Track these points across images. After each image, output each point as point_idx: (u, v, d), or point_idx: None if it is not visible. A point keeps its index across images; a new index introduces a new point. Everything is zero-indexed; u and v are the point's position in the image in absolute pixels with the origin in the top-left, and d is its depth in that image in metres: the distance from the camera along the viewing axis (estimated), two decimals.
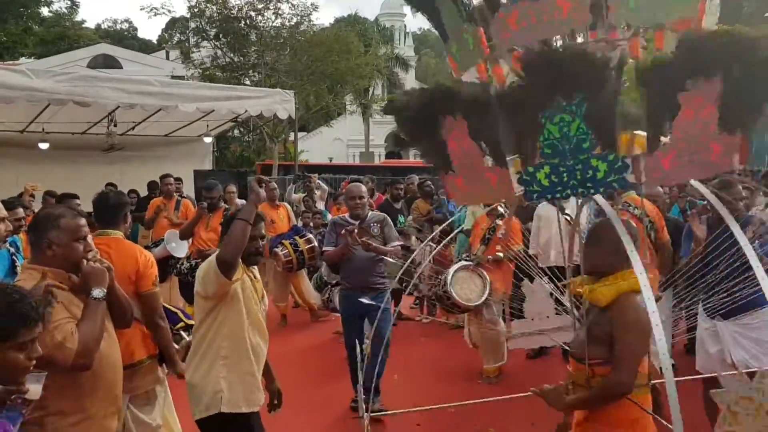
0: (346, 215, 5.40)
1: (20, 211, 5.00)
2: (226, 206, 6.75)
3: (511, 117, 2.23)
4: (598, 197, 2.41)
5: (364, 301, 4.76)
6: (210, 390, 3.10)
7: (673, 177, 2.33)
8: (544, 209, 6.32)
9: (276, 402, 3.44)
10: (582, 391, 2.61)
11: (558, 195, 2.24)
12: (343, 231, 5.10)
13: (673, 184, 2.57)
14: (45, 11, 30.05)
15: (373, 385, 4.72)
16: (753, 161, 2.19)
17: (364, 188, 5.40)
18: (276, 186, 8.54)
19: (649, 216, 4.65)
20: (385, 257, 5.06)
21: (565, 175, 2.20)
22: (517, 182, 2.34)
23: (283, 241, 7.23)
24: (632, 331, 2.45)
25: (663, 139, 2.16)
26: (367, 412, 3.50)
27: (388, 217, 5.43)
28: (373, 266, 5.07)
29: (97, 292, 2.47)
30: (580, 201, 2.76)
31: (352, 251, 5.02)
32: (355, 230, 4.99)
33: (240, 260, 3.09)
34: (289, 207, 8.53)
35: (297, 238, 7.36)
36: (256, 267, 3.40)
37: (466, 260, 5.72)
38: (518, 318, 5.76)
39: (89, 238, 2.64)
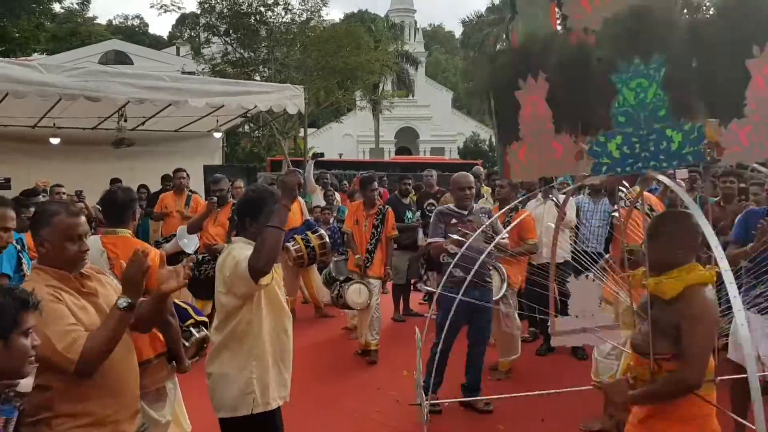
0: (451, 205, 5.18)
1: (32, 209, 5.02)
2: (234, 201, 6.74)
3: (583, 77, 2.12)
4: (665, 179, 2.25)
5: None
6: (239, 391, 3.01)
7: (753, 154, 2.11)
8: (535, 208, 6.29)
9: None
10: (643, 386, 2.54)
11: (628, 169, 2.13)
12: (453, 221, 4.91)
13: (752, 162, 2.42)
14: (57, 7, 30.16)
15: (474, 383, 4.93)
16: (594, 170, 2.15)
17: (471, 178, 5.22)
18: (301, 171, 8.51)
19: (656, 210, 4.60)
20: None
21: (637, 146, 2.09)
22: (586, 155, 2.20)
23: (295, 236, 7.22)
24: (702, 324, 2.38)
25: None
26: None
27: (492, 210, 5.31)
28: (486, 259, 4.82)
29: (121, 302, 2.28)
30: (573, 195, 2.74)
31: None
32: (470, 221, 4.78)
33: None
34: (302, 201, 8.52)
35: (309, 233, 7.36)
36: None
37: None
38: (529, 313, 5.74)
39: (95, 237, 2.56)
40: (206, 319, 3.61)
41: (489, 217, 5.03)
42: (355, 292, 6.38)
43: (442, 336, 4.44)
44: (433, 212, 8.03)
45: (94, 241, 3.57)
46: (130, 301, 2.27)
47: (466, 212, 5.00)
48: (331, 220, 8.73)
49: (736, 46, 1.95)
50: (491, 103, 2.69)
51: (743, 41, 1.93)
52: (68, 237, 2.38)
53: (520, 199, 5.58)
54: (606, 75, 2.09)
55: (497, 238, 4.62)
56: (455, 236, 4.72)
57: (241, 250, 2.99)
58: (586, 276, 3.09)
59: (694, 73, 2.02)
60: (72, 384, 2.24)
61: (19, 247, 4.57)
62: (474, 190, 5.16)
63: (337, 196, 10.38)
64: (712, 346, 2.45)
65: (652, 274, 2.59)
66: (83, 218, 2.49)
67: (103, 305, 2.45)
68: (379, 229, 6.50)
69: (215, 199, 6.39)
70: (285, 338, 3.21)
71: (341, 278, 6.78)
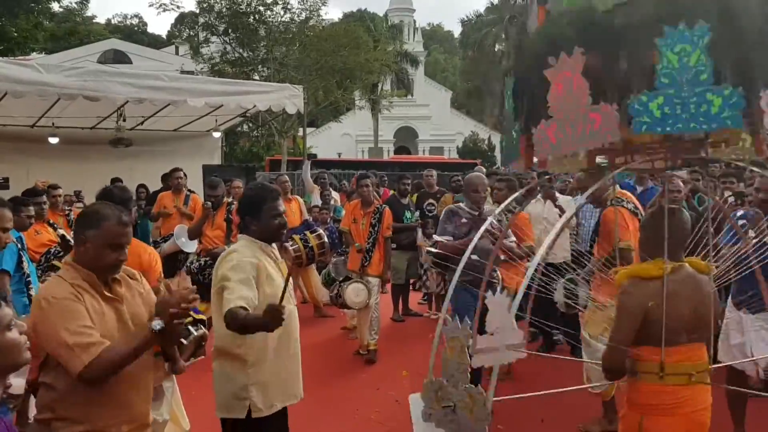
0: (462, 204, 5.18)
1: (31, 208, 5.03)
2: (229, 200, 6.72)
3: (628, 40, 2.20)
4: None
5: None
6: (233, 394, 2.97)
7: None
8: (533, 207, 6.29)
9: None
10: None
11: (668, 128, 2.20)
12: (464, 220, 4.94)
13: None
14: (55, 6, 30.09)
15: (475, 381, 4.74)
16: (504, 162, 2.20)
17: (486, 180, 5.23)
18: (288, 179, 8.52)
19: (641, 210, 4.63)
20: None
21: (678, 107, 2.17)
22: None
23: (293, 235, 7.21)
24: (621, 313, 2.63)
25: None
26: None
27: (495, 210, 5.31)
28: (495, 259, 4.82)
29: (156, 324, 2.24)
30: (575, 198, 2.81)
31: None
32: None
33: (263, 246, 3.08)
34: (301, 201, 8.51)
35: (307, 233, 7.35)
36: (276, 248, 3.30)
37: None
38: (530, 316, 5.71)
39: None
40: (204, 317, 3.58)
41: (500, 219, 5.01)
42: (353, 292, 6.37)
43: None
44: (432, 213, 7.99)
45: None
46: (163, 325, 2.25)
47: (477, 213, 5.03)
48: (328, 220, 8.73)
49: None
50: (505, 90, 2.73)
51: None
52: (111, 245, 2.37)
53: (514, 196, 5.57)
54: (650, 40, 2.16)
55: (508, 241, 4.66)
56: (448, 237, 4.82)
57: (243, 255, 2.97)
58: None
59: (735, 42, 2.13)
60: (77, 388, 2.21)
61: (19, 245, 4.57)
62: (487, 193, 5.20)
63: (336, 195, 10.38)
64: (628, 335, 2.60)
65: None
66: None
67: (125, 313, 2.42)
68: (376, 228, 6.49)
69: (209, 204, 6.37)
70: (290, 342, 3.15)
71: (340, 278, 6.77)
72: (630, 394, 2.73)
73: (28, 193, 6.13)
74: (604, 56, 2.26)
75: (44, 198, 6.01)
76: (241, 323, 2.70)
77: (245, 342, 2.94)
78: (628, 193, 4.98)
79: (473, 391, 2.81)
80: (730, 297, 4.18)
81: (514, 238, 5.16)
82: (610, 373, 2.70)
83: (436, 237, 5.17)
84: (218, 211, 6.46)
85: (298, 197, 8.70)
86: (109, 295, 2.39)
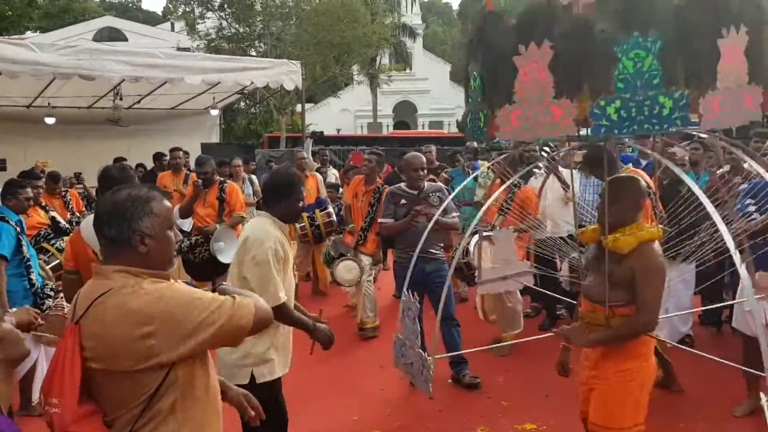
0: (403, 185, 5.30)
1: (29, 190, 4.95)
2: (221, 179, 6.64)
3: (586, 46, 2.33)
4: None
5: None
6: (237, 364, 3.11)
7: (722, 122, 2.48)
8: (538, 182, 6.28)
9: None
10: (599, 330, 2.94)
11: (624, 131, 2.35)
12: (403, 202, 5.10)
13: (723, 128, 2.86)
14: None
15: (456, 357, 5.02)
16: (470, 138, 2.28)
17: (423, 159, 5.32)
18: (305, 155, 8.44)
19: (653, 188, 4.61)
20: None
21: (633, 110, 2.31)
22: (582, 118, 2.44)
23: (303, 213, 7.20)
24: (655, 274, 2.80)
25: None
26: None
27: (444, 187, 5.46)
28: (433, 235, 4.99)
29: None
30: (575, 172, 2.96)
31: (414, 225, 4.98)
32: (423, 209, 4.97)
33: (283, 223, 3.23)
34: (319, 177, 8.44)
35: (316, 211, 7.35)
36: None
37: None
38: (532, 289, 5.75)
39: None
40: None
41: (441, 196, 5.18)
42: (344, 269, 6.40)
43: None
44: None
45: (91, 219, 3.62)
46: None
47: (416, 192, 5.13)
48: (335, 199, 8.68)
49: (711, 29, 2.31)
50: (472, 68, 2.79)
51: (715, 25, 2.31)
52: (170, 224, 1.96)
53: (521, 173, 5.53)
54: (608, 45, 2.31)
55: (450, 218, 5.01)
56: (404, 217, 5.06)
57: (264, 233, 3.09)
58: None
59: (682, 48, 2.31)
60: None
61: (18, 229, 4.53)
62: (426, 171, 5.29)
63: (335, 172, 10.31)
64: (662, 293, 2.86)
65: (609, 232, 2.93)
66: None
67: None
68: (374, 208, 6.44)
69: (200, 181, 6.31)
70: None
71: (337, 256, 6.76)
72: (632, 350, 2.91)
73: (25, 175, 6.07)
74: (567, 55, 2.37)
75: (41, 182, 5.96)
76: (289, 320, 3.13)
77: None
78: (641, 171, 4.96)
79: (422, 355, 3.54)
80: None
81: (456, 214, 5.37)
82: (650, 329, 2.90)
83: (380, 220, 5.46)
84: (210, 190, 6.39)
85: (317, 174, 8.63)
86: None
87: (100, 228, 1.89)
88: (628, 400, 2.89)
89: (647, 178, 4.79)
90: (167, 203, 1.99)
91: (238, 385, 2.93)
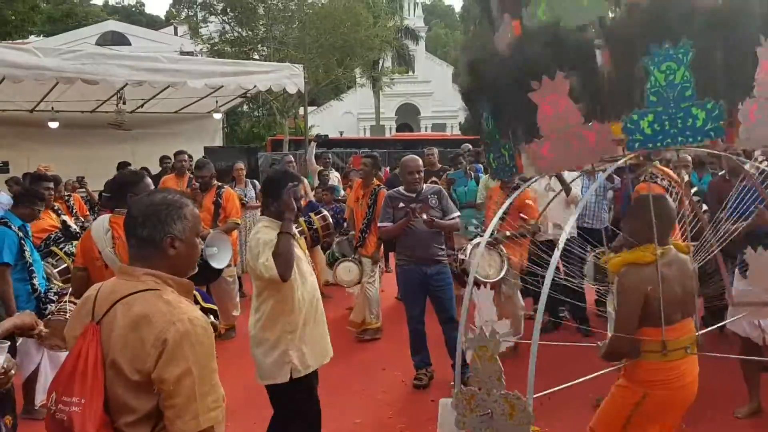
0: (401, 189, 5.33)
1: (43, 204, 5.01)
2: (219, 184, 6.64)
3: (617, 60, 2.28)
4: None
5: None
6: (277, 362, 3.34)
7: (760, 135, 2.35)
8: (539, 185, 6.24)
9: None
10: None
11: (659, 144, 2.31)
12: (401, 205, 5.13)
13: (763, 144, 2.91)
14: None
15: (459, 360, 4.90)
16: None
17: (420, 162, 5.35)
18: (292, 159, 8.48)
19: (675, 186, 4.57)
20: None
21: (667, 123, 2.28)
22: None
23: (300, 218, 7.20)
24: (623, 299, 2.79)
25: None
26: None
27: (443, 189, 5.50)
28: (433, 238, 5.06)
29: None
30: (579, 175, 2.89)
31: (412, 226, 5.03)
32: (419, 208, 4.99)
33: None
34: (306, 182, 8.45)
35: (312, 215, 7.35)
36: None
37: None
38: (535, 292, 5.74)
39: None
40: (215, 307, 3.55)
41: (439, 198, 5.19)
42: (344, 270, 6.44)
43: (410, 312, 5.19)
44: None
45: (102, 220, 3.77)
46: None
47: (414, 195, 5.16)
48: (332, 201, 8.69)
49: (747, 36, 2.23)
50: (478, 109, 2.76)
51: (753, 32, 2.22)
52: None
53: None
54: (637, 59, 2.26)
55: (449, 219, 4.98)
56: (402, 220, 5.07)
57: (265, 234, 3.32)
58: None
59: (715, 58, 2.23)
60: None
61: (21, 234, 4.54)
62: (422, 174, 5.31)
63: (337, 175, 10.30)
64: (632, 318, 2.78)
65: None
66: None
67: None
68: (371, 209, 6.45)
69: (198, 184, 6.31)
70: (317, 304, 3.56)
71: (341, 257, 6.79)
72: (632, 373, 2.89)
73: (34, 178, 6.09)
74: (590, 77, 2.33)
75: (51, 184, 5.98)
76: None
77: (284, 313, 3.37)
78: (667, 170, 4.88)
79: (511, 397, 2.82)
80: (737, 269, 4.17)
81: (457, 214, 5.37)
82: (611, 357, 2.88)
83: (378, 224, 5.49)
84: (207, 194, 6.38)
85: (303, 178, 8.65)
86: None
87: (133, 228, 1.90)
88: (611, 411, 2.98)
89: (673, 175, 4.75)
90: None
91: (277, 384, 3.38)
